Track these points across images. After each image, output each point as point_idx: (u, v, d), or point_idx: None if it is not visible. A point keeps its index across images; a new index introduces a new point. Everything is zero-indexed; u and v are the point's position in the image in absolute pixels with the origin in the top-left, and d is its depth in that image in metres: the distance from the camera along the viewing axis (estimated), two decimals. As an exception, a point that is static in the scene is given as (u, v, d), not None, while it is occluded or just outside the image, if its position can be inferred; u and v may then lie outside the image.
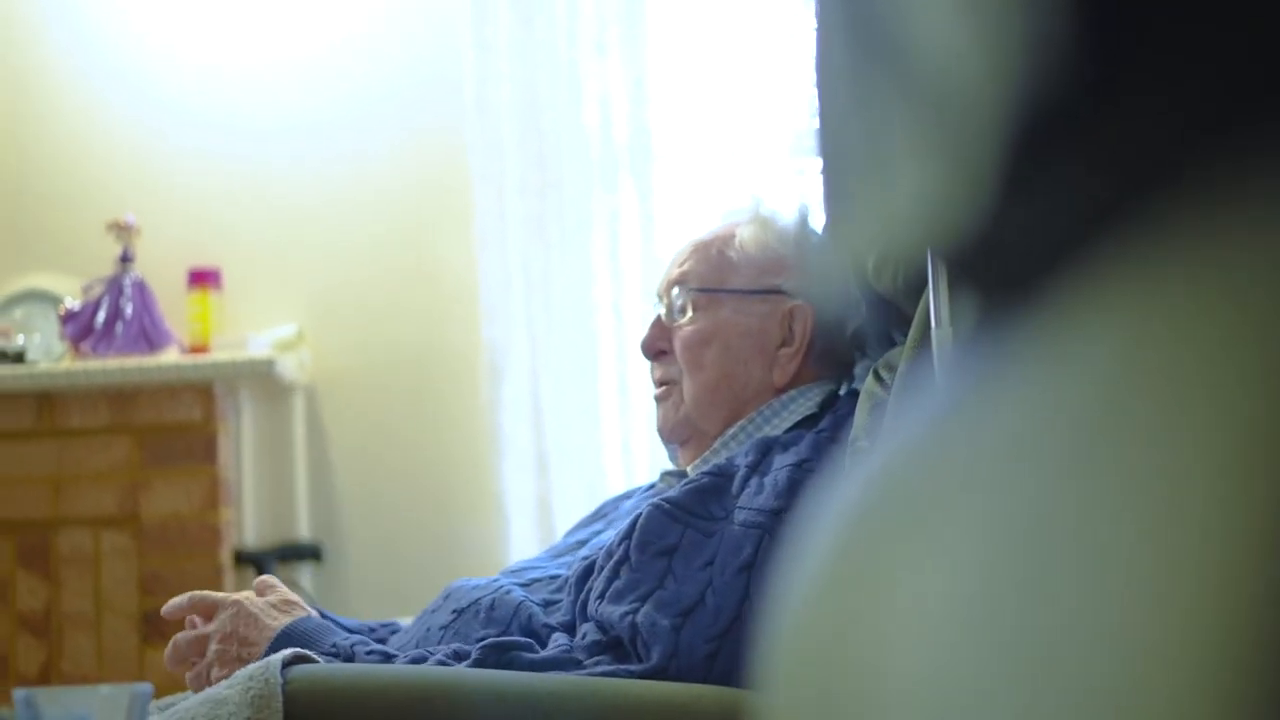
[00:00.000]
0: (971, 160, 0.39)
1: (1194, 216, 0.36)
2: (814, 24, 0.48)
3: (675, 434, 2.03)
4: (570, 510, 3.34)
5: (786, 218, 2.09)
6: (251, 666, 1.66)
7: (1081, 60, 0.36)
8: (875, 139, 0.43)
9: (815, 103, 0.49)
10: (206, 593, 1.92)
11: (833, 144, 0.47)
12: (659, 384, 2.04)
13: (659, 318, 2.04)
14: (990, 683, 0.35)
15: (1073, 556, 0.35)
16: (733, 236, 2.05)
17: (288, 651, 1.69)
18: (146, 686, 1.32)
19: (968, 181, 0.39)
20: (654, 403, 2.06)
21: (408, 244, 3.61)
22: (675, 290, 2.03)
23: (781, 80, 3.41)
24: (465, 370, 3.55)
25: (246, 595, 1.89)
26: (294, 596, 1.93)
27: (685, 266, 2.04)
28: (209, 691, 1.65)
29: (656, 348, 2.03)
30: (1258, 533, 0.33)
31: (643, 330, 2.08)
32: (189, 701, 1.64)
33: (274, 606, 1.88)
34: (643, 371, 3.35)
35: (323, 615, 1.99)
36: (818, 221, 1.88)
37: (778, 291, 2.00)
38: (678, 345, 2.01)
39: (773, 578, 1.75)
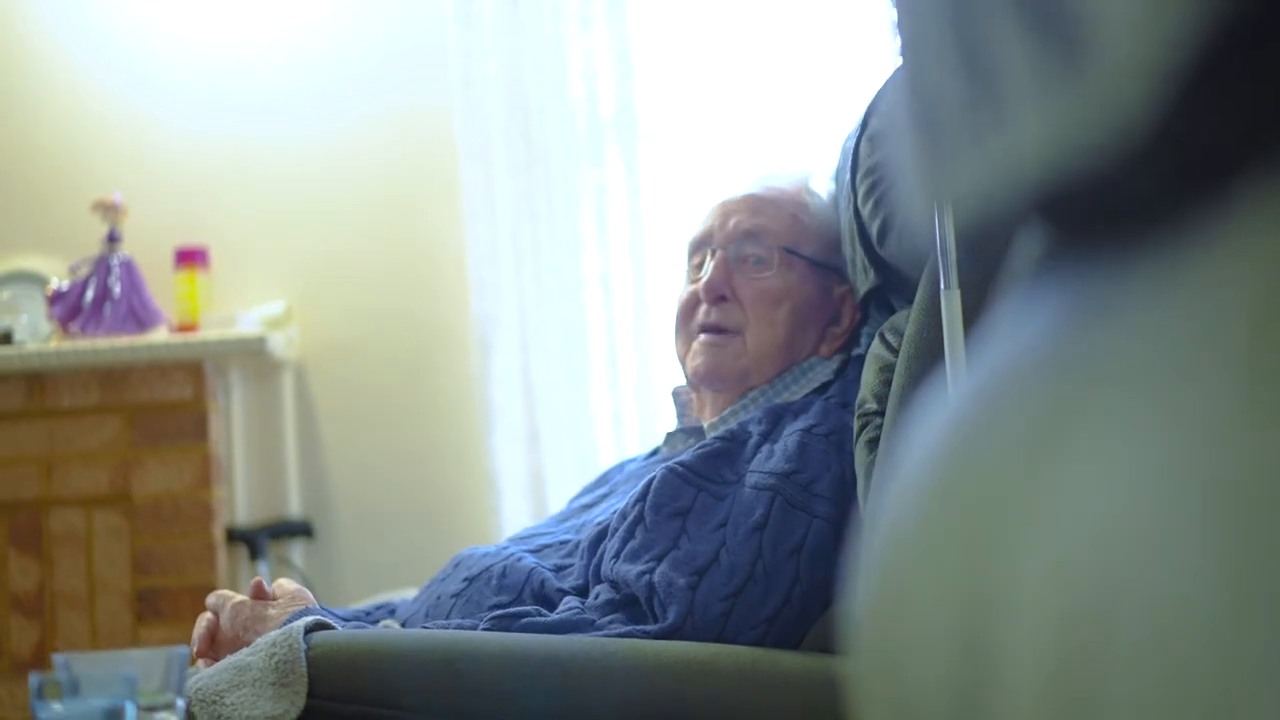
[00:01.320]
0: (1115, 91, 0.39)
1: None
2: None
3: (724, 380, 2.01)
4: (562, 483, 3.36)
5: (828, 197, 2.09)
6: (274, 633, 1.68)
7: None
8: (985, 72, 0.43)
9: (901, 37, 0.49)
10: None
11: (925, 78, 0.48)
12: (716, 329, 2.01)
13: (725, 261, 2.03)
14: (1191, 586, 0.36)
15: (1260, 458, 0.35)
16: (802, 203, 2.06)
17: (309, 618, 1.71)
18: (183, 648, 1.34)
19: (1106, 114, 0.40)
20: (699, 344, 2.02)
21: (395, 219, 3.62)
22: (749, 240, 2.03)
23: (768, 51, 3.43)
24: (454, 344, 3.56)
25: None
26: (294, 586, 1.91)
27: (760, 220, 2.03)
28: (231, 658, 1.66)
29: (720, 292, 2.02)
30: None
31: (705, 273, 2.03)
32: (212, 669, 1.65)
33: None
34: (630, 343, 3.38)
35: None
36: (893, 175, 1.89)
37: (838, 270, 2.03)
38: (752, 294, 2.00)
39: (783, 539, 1.77)
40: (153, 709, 1.24)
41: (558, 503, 3.29)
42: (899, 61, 0.54)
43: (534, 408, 3.42)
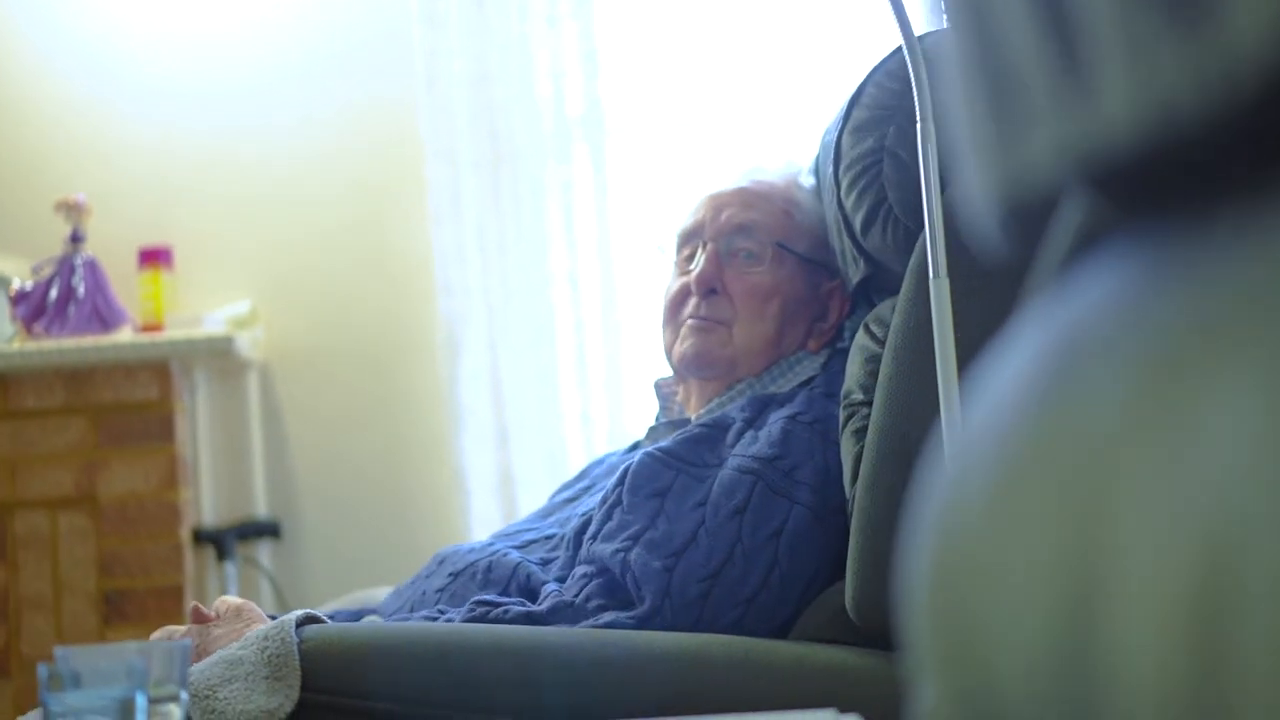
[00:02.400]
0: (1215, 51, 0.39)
1: None
2: None
3: (711, 367, 2.02)
4: (532, 481, 3.36)
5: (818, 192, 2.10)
6: (265, 627, 1.67)
7: None
8: (1072, 31, 0.43)
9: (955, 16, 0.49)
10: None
11: (998, 40, 0.47)
12: (705, 319, 2.03)
13: (716, 254, 2.04)
14: None
15: None
16: (793, 199, 2.07)
17: (300, 612, 1.71)
18: (186, 641, 1.34)
19: (1216, 76, 0.40)
20: (686, 331, 2.03)
21: (361, 218, 3.61)
22: (740, 235, 2.04)
23: (735, 47, 3.44)
24: (422, 343, 3.56)
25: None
26: (237, 601, 1.88)
27: (753, 215, 2.04)
28: (223, 652, 1.66)
29: (711, 284, 2.03)
30: None
31: (696, 266, 2.04)
32: (203, 663, 1.65)
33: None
34: (598, 341, 3.38)
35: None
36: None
37: (827, 267, 2.04)
38: (742, 289, 2.01)
39: (763, 523, 1.78)
40: (158, 700, 1.24)
41: (528, 501, 3.29)
42: (958, 25, 0.52)
43: (502, 406, 3.42)
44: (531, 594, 1.86)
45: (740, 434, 1.89)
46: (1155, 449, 0.41)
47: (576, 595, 1.79)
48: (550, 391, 3.40)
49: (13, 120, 3.67)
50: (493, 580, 1.90)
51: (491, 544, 2.03)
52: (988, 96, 0.49)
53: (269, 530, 3.56)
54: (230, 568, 3.47)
